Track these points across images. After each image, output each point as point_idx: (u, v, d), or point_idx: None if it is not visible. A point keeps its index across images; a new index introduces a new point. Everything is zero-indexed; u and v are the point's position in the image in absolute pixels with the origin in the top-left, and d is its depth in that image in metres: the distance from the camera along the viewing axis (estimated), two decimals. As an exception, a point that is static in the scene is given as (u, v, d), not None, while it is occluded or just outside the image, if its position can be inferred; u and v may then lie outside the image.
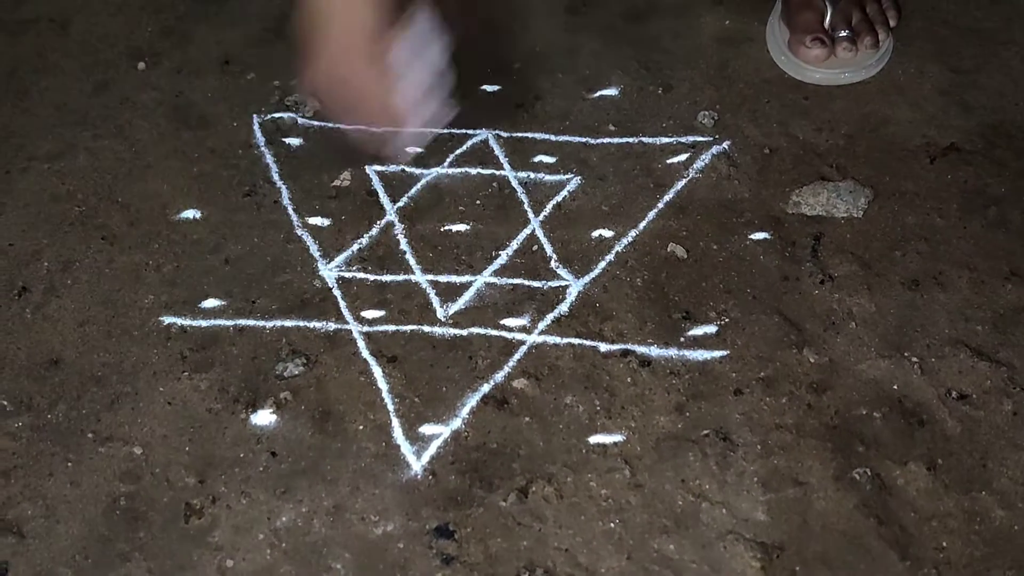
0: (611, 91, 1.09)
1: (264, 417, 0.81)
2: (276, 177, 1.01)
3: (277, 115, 1.07)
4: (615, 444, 0.78)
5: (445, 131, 1.05)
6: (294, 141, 1.04)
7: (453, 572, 0.71)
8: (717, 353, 0.84)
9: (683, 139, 1.03)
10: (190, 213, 0.97)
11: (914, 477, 0.75)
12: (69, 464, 0.78)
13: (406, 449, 0.78)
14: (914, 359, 0.83)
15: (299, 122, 1.06)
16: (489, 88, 1.10)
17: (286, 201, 0.98)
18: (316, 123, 1.06)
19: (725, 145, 1.02)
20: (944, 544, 0.72)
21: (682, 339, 0.85)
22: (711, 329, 0.86)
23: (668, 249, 0.91)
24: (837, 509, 0.74)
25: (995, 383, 0.81)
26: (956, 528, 0.73)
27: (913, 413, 0.80)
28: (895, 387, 0.81)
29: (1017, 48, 1.12)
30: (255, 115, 1.07)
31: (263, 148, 1.03)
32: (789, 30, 1.11)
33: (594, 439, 0.78)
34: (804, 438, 0.78)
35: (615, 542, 0.72)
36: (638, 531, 0.73)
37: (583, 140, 1.04)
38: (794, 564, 0.71)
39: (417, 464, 0.77)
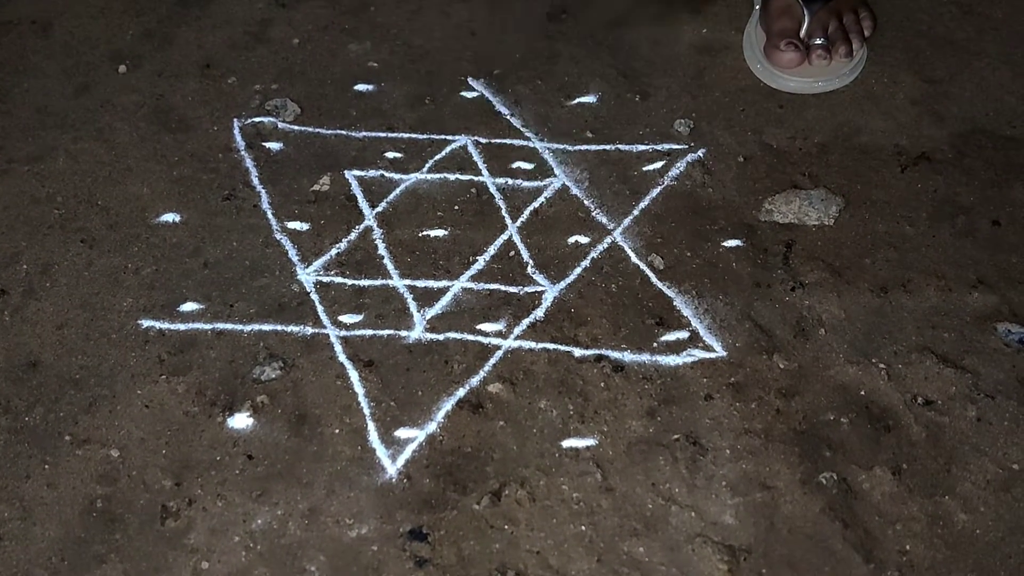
0: (589, 98, 1.10)
1: (241, 420, 0.81)
2: (256, 181, 1.01)
3: (257, 119, 1.07)
4: (587, 448, 0.79)
5: (424, 136, 1.06)
6: (274, 145, 1.05)
7: (426, 574, 0.72)
8: (689, 359, 0.85)
9: (659, 147, 1.04)
10: (169, 216, 0.98)
11: (879, 482, 0.77)
12: (46, 466, 0.79)
13: (381, 453, 0.79)
14: (881, 365, 0.85)
15: (279, 127, 1.07)
16: (468, 95, 1.11)
17: (265, 205, 0.99)
18: (296, 128, 1.07)
19: (700, 153, 1.03)
20: (908, 547, 0.73)
21: (655, 344, 0.86)
22: (683, 335, 0.87)
23: (648, 259, 0.92)
24: (804, 513, 0.75)
25: (960, 389, 0.83)
26: (919, 531, 0.74)
27: (880, 419, 0.81)
28: (862, 393, 0.83)
29: (988, 59, 1.14)
30: (235, 119, 1.08)
31: (243, 152, 1.04)
32: (765, 36, 1.12)
33: (567, 443, 0.80)
34: (772, 443, 0.79)
35: (586, 545, 0.73)
36: (608, 534, 0.74)
37: (561, 146, 1.05)
38: (760, 567, 0.72)
39: (392, 468, 0.78)
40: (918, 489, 0.76)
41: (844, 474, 0.77)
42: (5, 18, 1.22)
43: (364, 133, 1.07)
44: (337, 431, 0.80)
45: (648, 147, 1.04)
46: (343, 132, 1.07)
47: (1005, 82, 1.12)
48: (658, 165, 1.02)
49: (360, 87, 1.12)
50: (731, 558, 0.72)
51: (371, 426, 0.81)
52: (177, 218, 0.98)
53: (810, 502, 0.75)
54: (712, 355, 0.85)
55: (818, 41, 1.10)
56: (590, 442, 0.79)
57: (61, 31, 1.20)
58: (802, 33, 1.11)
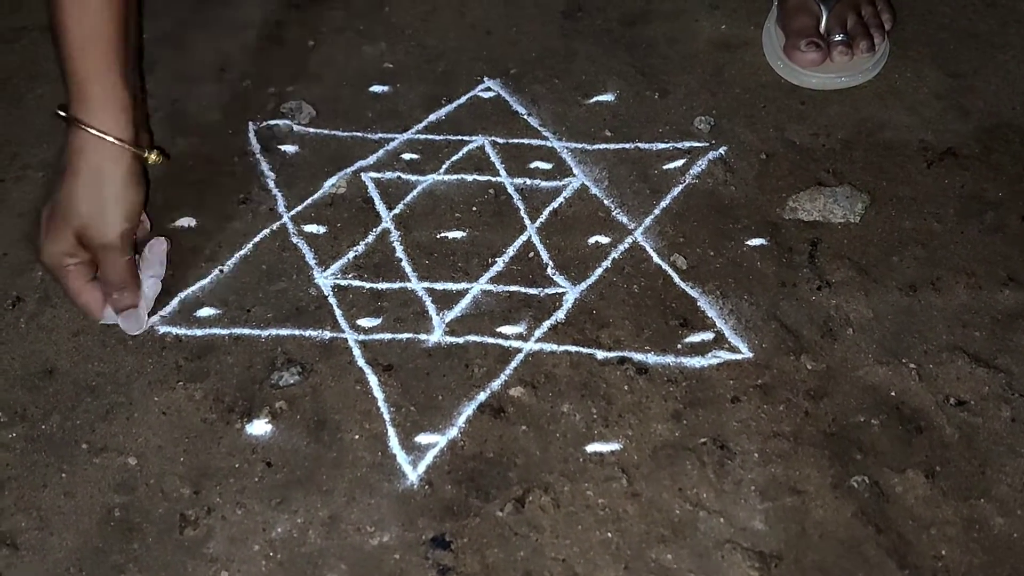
0: (607, 96, 1.09)
1: (259, 427, 0.80)
2: (271, 184, 1.00)
3: (273, 122, 1.06)
4: (612, 453, 0.78)
5: (441, 137, 1.05)
6: (289, 148, 1.04)
7: (449, 583, 0.71)
8: (714, 360, 0.83)
9: (679, 144, 1.02)
10: (184, 221, 0.97)
11: (912, 485, 0.75)
12: (63, 475, 0.78)
13: (402, 459, 0.78)
14: (912, 365, 0.83)
15: (294, 129, 1.06)
16: (484, 94, 1.09)
17: (281, 208, 0.98)
18: (312, 130, 1.06)
19: (721, 151, 1.01)
20: (943, 552, 0.72)
21: (679, 346, 0.85)
22: (708, 336, 0.85)
23: (670, 259, 0.91)
24: (835, 517, 0.73)
25: (993, 389, 0.81)
26: (954, 536, 0.72)
27: (911, 420, 0.79)
28: (893, 394, 0.81)
29: (1013, 52, 1.12)
30: (251, 122, 1.07)
31: (258, 155, 1.03)
32: (785, 35, 1.11)
33: (591, 448, 0.78)
34: (802, 446, 0.77)
35: (612, 552, 0.72)
36: (635, 540, 0.72)
37: (580, 146, 1.03)
38: (792, 573, 0.70)
39: (413, 474, 0.77)
40: (952, 492, 0.75)
41: (876, 477, 0.75)
42: (18, 24, 1.21)
43: (380, 135, 1.06)
44: (357, 437, 0.79)
45: (668, 145, 1.03)
46: (359, 134, 1.06)
47: (1032, 75, 1.10)
48: (679, 163, 1.01)
49: (375, 88, 1.11)
50: (761, 564, 0.70)
51: (391, 432, 0.80)
52: (192, 222, 0.97)
53: (841, 506, 0.74)
54: (738, 356, 0.84)
55: (838, 37, 1.08)
56: (615, 446, 0.78)
57: (75, 36, 1.19)
58: (821, 29, 1.09)
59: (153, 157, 0.88)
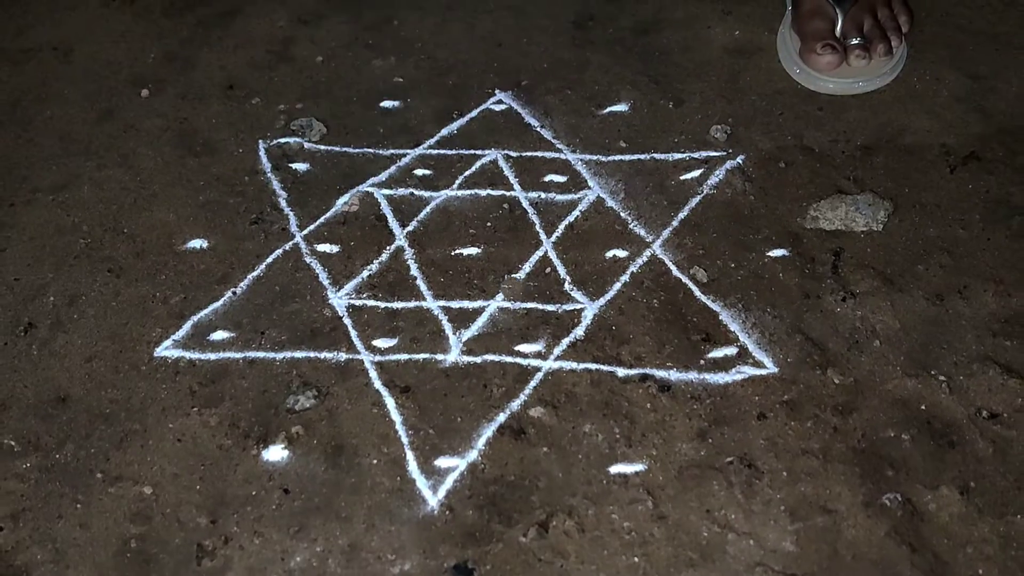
0: (621, 107, 1.07)
1: (276, 453, 0.79)
2: (283, 204, 0.99)
3: (283, 140, 1.05)
4: (636, 474, 0.76)
5: (453, 152, 1.03)
6: (301, 166, 1.03)
7: (473, 612, 0.69)
8: (738, 376, 0.82)
9: (696, 154, 1.01)
10: (197, 243, 0.96)
11: (947, 502, 0.73)
12: (78, 506, 0.77)
13: (422, 483, 0.76)
14: (942, 377, 0.81)
15: (305, 147, 1.05)
16: (496, 107, 1.08)
17: (293, 228, 0.96)
18: (323, 147, 1.05)
19: (739, 159, 1.00)
20: (980, 571, 0.70)
21: (702, 362, 0.83)
22: (731, 351, 0.83)
23: (690, 272, 0.89)
24: (868, 537, 0.71)
25: (1026, 401, 0.79)
26: (992, 554, 0.70)
27: (943, 434, 0.77)
28: (923, 407, 0.79)
29: (1034, 52, 1.10)
30: (260, 140, 1.06)
31: (269, 174, 1.02)
32: (800, 39, 1.09)
33: (615, 469, 0.76)
34: (831, 463, 0.75)
35: (639, 577, 0.70)
36: (663, 565, 0.70)
37: (594, 157, 1.02)
38: (825, 596, 0.68)
39: (433, 499, 0.75)
40: (988, 509, 0.72)
41: (909, 494, 0.73)
42: (27, 45, 1.20)
43: (392, 150, 1.04)
44: (375, 462, 0.78)
45: (685, 155, 1.01)
46: (370, 150, 1.04)
47: (1054, 75, 1.07)
48: (696, 173, 0.99)
49: (386, 103, 1.10)
50: (794, 588, 0.68)
51: (410, 456, 0.78)
52: (204, 244, 0.96)
53: (874, 526, 0.72)
54: (763, 371, 0.82)
55: (855, 41, 1.06)
56: (639, 467, 0.76)
57: (83, 56, 1.19)
58: (837, 33, 1.07)
59: None
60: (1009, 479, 0.74)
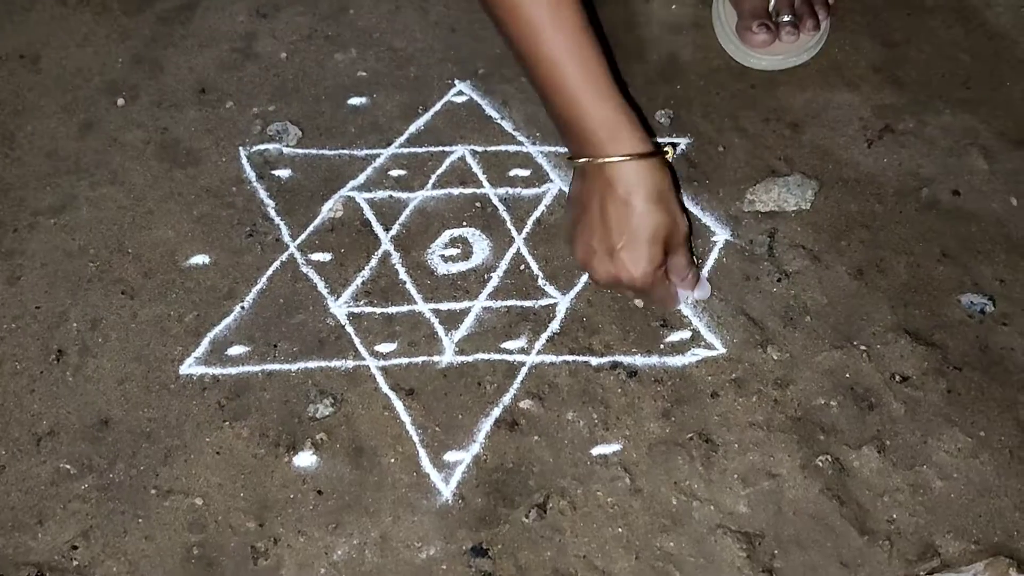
0: (573, 93, 1.16)
1: (305, 458, 0.92)
2: (273, 213, 1.08)
3: (262, 147, 1.13)
4: (614, 453, 0.91)
5: (423, 150, 1.13)
6: (283, 173, 1.11)
7: (491, 586, 0.84)
8: (693, 358, 0.96)
9: (644, 141, 1.11)
10: (199, 259, 1.05)
11: (867, 459, 0.89)
12: (140, 520, 0.89)
13: (435, 477, 0.90)
14: (862, 347, 0.96)
15: (284, 152, 1.13)
16: (457, 99, 1.17)
17: (287, 238, 1.06)
18: (301, 151, 1.13)
19: (683, 146, 1.11)
20: (894, 516, 0.87)
21: (662, 346, 0.97)
22: (686, 335, 0.97)
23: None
24: (805, 495, 0.88)
25: (932, 364, 0.95)
26: (904, 501, 0.87)
27: (864, 398, 0.93)
28: (847, 375, 0.94)
29: (942, 16, 1.21)
30: (241, 148, 1.13)
31: (255, 183, 1.10)
32: (737, 15, 1.18)
33: (596, 451, 0.91)
34: (773, 432, 0.91)
35: (624, 544, 0.86)
36: (642, 532, 0.86)
37: (553, 149, 1.12)
38: (773, 548, 0.85)
39: (447, 490, 0.89)
40: (900, 462, 0.89)
41: (837, 455, 0.90)
42: (-8, 54, 1.24)
43: (366, 151, 1.13)
44: (392, 460, 0.91)
45: (634, 143, 1.11)
46: (346, 152, 1.13)
47: (959, 40, 1.20)
48: (646, 162, 1.10)
49: (353, 101, 1.17)
50: (748, 544, 0.85)
51: (422, 452, 0.91)
52: (206, 259, 1.05)
53: (810, 485, 0.88)
54: (713, 353, 0.96)
55: (786, 18, 1.16)
56: (616, 447, 0.91)
57: (51, 63, 1.23)
58: (770, 9, 1.16)
59: (671, 153, 0.93)
60: (917, 435, 0.91)
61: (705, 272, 1.00)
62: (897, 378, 0.94)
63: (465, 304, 1.01)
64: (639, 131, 0.88)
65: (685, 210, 0.93)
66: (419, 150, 1.13)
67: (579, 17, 0.86)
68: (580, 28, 0.86)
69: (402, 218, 1.07)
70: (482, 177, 1.10)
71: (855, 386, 0.94)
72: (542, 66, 0.87)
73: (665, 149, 0.92)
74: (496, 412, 0.93)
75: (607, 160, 0.88)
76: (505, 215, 1.07)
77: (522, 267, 1.03)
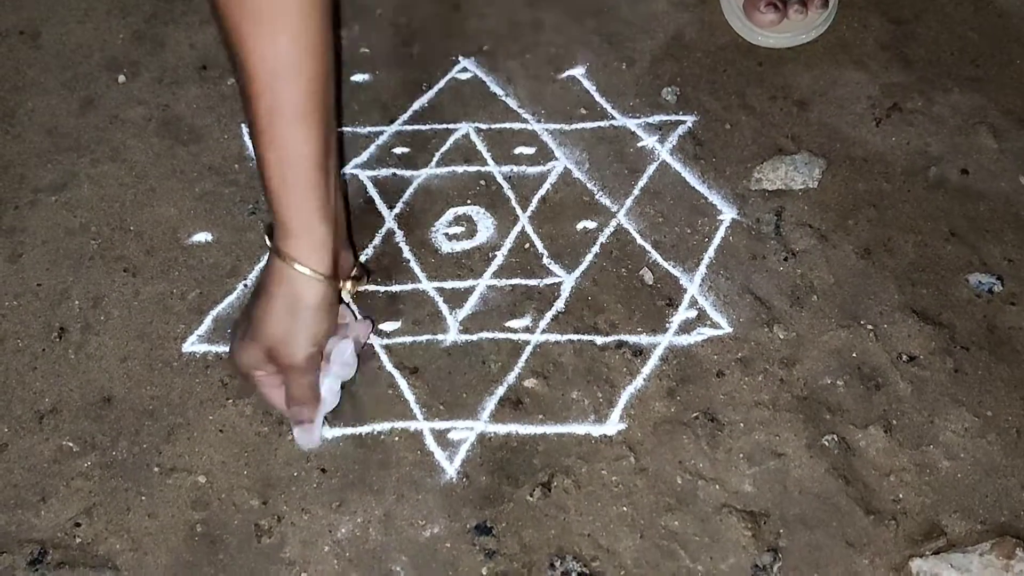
0: (578, 70, 1.16)
1: (309, 436, 0.91)
2: (276, 191, 1.07)
3: (265, 124, 1.12)
4: (619, 432, 0.90)
5: (427, 127, 1.12)
6: (286, 150, 1.10)
7: (496, 564, 0.84)
8: (699, 337, 0.95)
9: (651, 119, 1.11)
10: (201, 236, 1.04)
11: (873, 439, 0.89)
12: (143, 498, 0.89)
13: (439, 455, 0.90)
14: (869, 327, 0.95)
15: (287, 129, 1.11)
16: (461, 75, 1.16)
17: (290, 216, 1.05)
18: (304, 129, 1.12)
19: (689, 123, 1.10)
20: (900, 496, 0.86)
21: (667, 325, 0.96)
22: (692, 314, 0.97)
23: (652, 239, 1.01)
24: (811, 475, 0.87)
25: (939, 344, 0.94)
26: (910, 481, 0.87)
27: (870, 378, 0.93)
28: (854, 355, 0.94)
29: (951, -9, 1.20)
30: (243, 124, 1.12)
31: (257, 161, 1.09)
32: (743, -8, 1.17)
33: (600, 430, 0.90)
34: (779, 412, 0.91)
35: (628, 523, 0.85)
36: (647, 511, 0.86)
37: (558, 127, 1.11)
38: (778, 527, 0.85)
39: (451, 468, 0.89)
40: (907, 442, 0.89)
41: (843, 434, 0.89)
42: (-9, 30, 1.23)
43: (369, 128, 1.12)
44: (396, 439, 0.91)
45: (640, 120, 1.11)
46: (349, 129, 1.12)
47: (968, 17, 1.18)
48: (652, 139, 1.09)
49: (357, 77, 1.16)
50: (753, 523, 0.85)
51: (426, 431, 0.91)
52: (209, 237, 1.04)
53: (816, 464, 0.88)
54: (719, 332, 0.96)
55: (794, -6, 1.15)
56: (621, 426, 0.91)
57: (51, 39, 1.22)
58: (778, -15, 1.15)
59: (348, 287, 0.91)
60: (924, 415, 0.90)
61: (319, 424, 0.89)
62: (904, 358, 0.93)
63: (469, 283, 1.00)
64: (318, 247, 0.85)
65: (318, 354, 0.88)
66: (423, 127, 1.12)
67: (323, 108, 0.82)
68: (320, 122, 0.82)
69: (406, 196, 1.06)
70: (486, 155, 1.09)
71: (862, 366, 0.93)
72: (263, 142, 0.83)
73: (341, 285, 0.89)
74: (500, 391, 0.93)
75: (269, 245, 0.86)
76: (510, 193, 1.06)
77: (527, 245, 1.02)
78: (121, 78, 1.17)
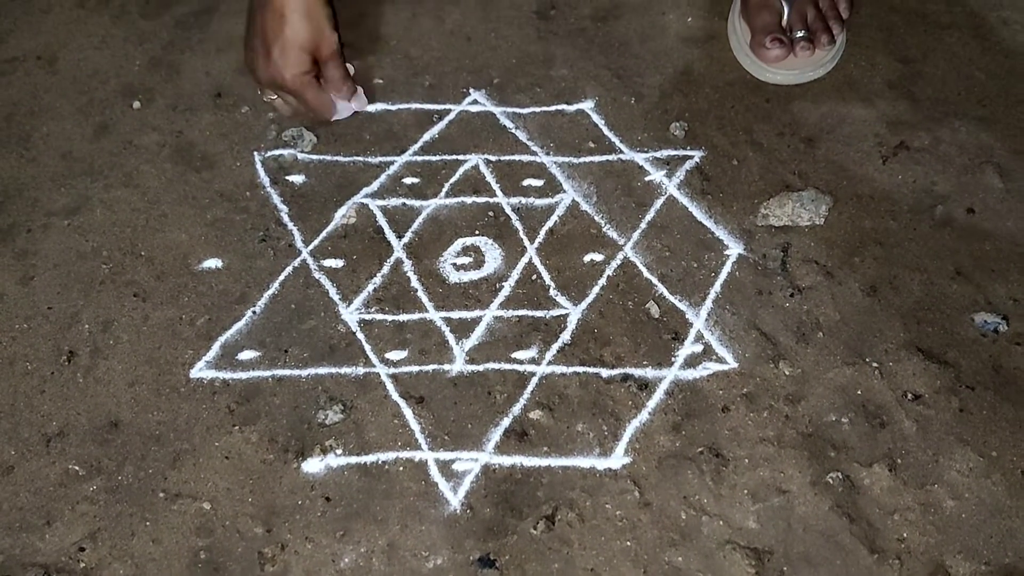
0: (587, 103, 1.17)
1: (313, 465, 0.92)
2: (286, 219, 1.08)
3: (277, 152, 1.13)
4: (624, 466, 0.90)
5: (437, 158, 1.13)
6: (297, 179, 1.11)
7: (498, 597, 0.84)
8: (704, 372, 0.96)
9: (658, 153, 1.12)
10: (212, 263, 1.05)
11: (878, 477, 0.89)
12: (147, 523, 0.89)
13: (443, 486, 0.90)
14: (874, 364, 0.96)
15: (299, 158, 1.13)
16: (472, 108, 1.17)
17: (299, 244, 1.06)
18: (315, 157, 1.13)
19: (697, 159, 1.11)
20: (905, 535, 0.86)
21: (673, 359, 0.97)
22: (698, 348, 0.97)
23: (659, 272, 1.01)
24: (815, 512, 0.87)
25: (944, 383, 0.94)
26: (914, 520, 0.87)
27: (875, 416, 0.93)
28: (859, 392, 0.94)
29: (959, 33, 1.21)
30: (256, 152, 1.14)
31: (269, 188, 1.11)
32: (750, 30, 1.18)
33: (605, 463, 0.91)
34: (784, 448, 0.91)
35: (632, 558, 0.85)
36: (650, 546, 0.86)
37: (567, 159, 1.12)
38: (782, 565, 0.85)
39: (455, 499, 0.89)
40: (911, 481, 0.89)
41: (847, 472, 0.89)
42: (10, 54, 1.25)
43: (380, 158, 1.13)
44: (401, 469, 0.91)
45: (648, 155, 1.12)
46: (360, 159, 1.13)
47: (975, 57, 1.19)
48: (660, 174, 1.10)
49: (370, 108, 1.17)
50: (757, 560, 0.85)
51: (431, 461, 0.91)
52: (219, 263, 1.05)
53: (820, 502, 0.88)
54: (725, 367, 0.96)
55: (800, 33, 1.16)
56: (625, 460, 0.91)
57: (67, 64, 1.23)
58: (783, 24, 1.17)
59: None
60: (928, 454, 0.90)
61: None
62: (909, 396, 0.93)
63: (476, 313, 1.00)
64: None
65: (337, 28, 1.06)
66: (433, 158, 1.13)
67: None
68: None
69: (415, 226, 1.07)
70: (495, 186, 1.10)
71: (867, 403, 0.93)
72: None
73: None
74: (506, 422, 0.93)
75: None
76: (518, 224, 1.07)
77: (534, 277, 1.02)
78: (136, 104, 1.19)
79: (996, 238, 1.04)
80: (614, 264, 1.03)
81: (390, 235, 1.07)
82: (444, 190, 1.10)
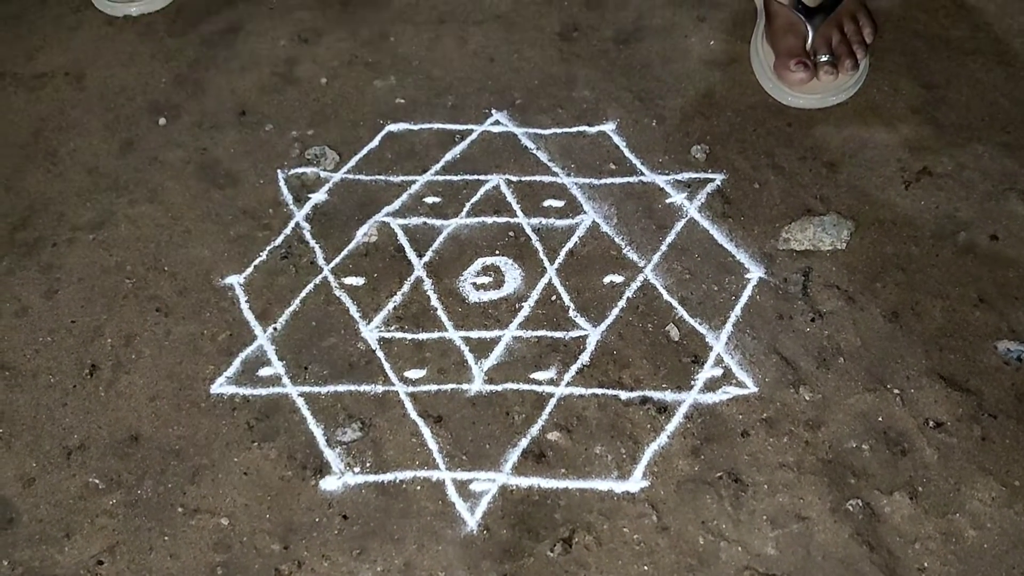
0: (609, 125, 1.17)
1: (331, 482, 0.92)
2: (308, 236, 1.09)
3: (300, 170, 1.14)
4: (642, 490, 0.90)
5: (458, 178, 1.13)
6: (320, 197, 1.12)
7: (514, 619, 0.84)
8: (724, 396, 0.95)
9: (680, 176, 1.12)
10: (233, 279, 1.06)
11: (899, 505, 0.88)
12: (166, 538, 0.89)
13: (460, 506, 0.90)
14: (896, 391, 0.95)
15: (321, 176, 1.14)
16: (494, 128, 1.17)
17: (321, 261, 1.07)
18: (338, 176, 1.14)
19: (718, 182, 1.11)
20: (925, 564, 0.85)
21: (692, 383, 0.96)
22: (718, 372, 0.97)
23: (679, 295, 1.01)
24: (835, 539, 0.87)
25: (966, 410, 0.93)
26: (935, 549, 0.86)
27: (896, 443, 0.92)
28: (880, 419, 0.93)
29: (983, 59, 1.21)
30: (279, 170, 1.15)
31: (291, 206, 1.11)
32: (774, 53, 1.18)
33: (623, 486, 0.90)
34: (804, 474, 0.90)
35: (649, 583, 0.85)
36: (668, 571, 0.85)
37: (587, 180, 1.12)
38: (801, 592, 0.84)
39: (472, 520, 0.89)
40: (933, 509, 0.88)
41: (868, 499, 0.88)
42: (39, 70, 1.26)
43: (401, 177, 1.14)
44: (418, 488, 0.91)
45: (669, 177, 1.12)
46: (382, 178, 1.14)
47: (999, 83, 1.19)
48: (681, 196, 1.10)
49: (391, 128, 1.18)
50: (775, 587, 0.84)
51: (448, 481, 0.91)
52: (241, 280, 1.06)
53: (840, 529, 0.87)
54: (745, 391, 0.95)
55: (824, 57, 1.16)
56: (644, 484, 0.90)
57: (95, 81, 1.25)
58: (807, 48, 1.17)
59: None
60: (950, 482, 0.90)
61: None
62: (931, 423, 0.93)
63: (496, 333, 1.01)
64: None
65: None
66: (454, 178, 1.13)
67: None
68: None
69: (435, 245, 1.08)
70: (516, 207, 1.10)
71: (888, 430, 0.93)
72: None
73: None
74: (523, 443, 0.93)
75: None
76: (538, 245, 1.07)
77: (553, 298, 1.03)
78: (162, 121, 1.20)
79: (1020, 265, 1.03)
80: (634, 286, 1.03)
81: (411, 254, 1.07)
82: (465, 210, 1.10)
